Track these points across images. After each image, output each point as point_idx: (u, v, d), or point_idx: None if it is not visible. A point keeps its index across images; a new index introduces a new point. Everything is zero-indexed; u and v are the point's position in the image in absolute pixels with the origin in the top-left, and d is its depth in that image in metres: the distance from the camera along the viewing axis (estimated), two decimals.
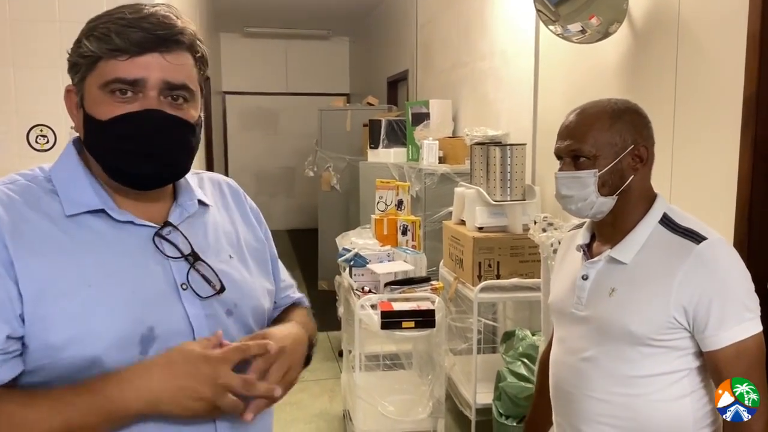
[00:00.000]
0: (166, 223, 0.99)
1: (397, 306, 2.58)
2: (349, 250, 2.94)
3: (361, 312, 2.61)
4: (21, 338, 0.86)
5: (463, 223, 3.24)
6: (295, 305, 1.23)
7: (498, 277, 2.93)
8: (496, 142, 3.30)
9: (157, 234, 0.97)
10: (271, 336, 0.97)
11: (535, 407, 1.69)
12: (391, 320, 2.50)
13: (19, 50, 2.87)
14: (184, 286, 0.96)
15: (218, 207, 1.11)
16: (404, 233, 3.36)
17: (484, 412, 2.88)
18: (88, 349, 0.87)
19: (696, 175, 2.10)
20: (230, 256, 1.06)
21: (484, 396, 2.88)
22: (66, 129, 2.94)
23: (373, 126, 5.01)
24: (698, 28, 2.09)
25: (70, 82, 0.99)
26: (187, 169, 1.02)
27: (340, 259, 2.99)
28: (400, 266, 2.93)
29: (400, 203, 3.58)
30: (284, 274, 1.23)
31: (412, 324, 2.53)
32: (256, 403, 0.92)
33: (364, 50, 8.38)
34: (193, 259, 0.98)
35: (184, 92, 0.95)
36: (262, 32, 8.43)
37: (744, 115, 1.87)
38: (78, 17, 3.11)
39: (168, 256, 0.96)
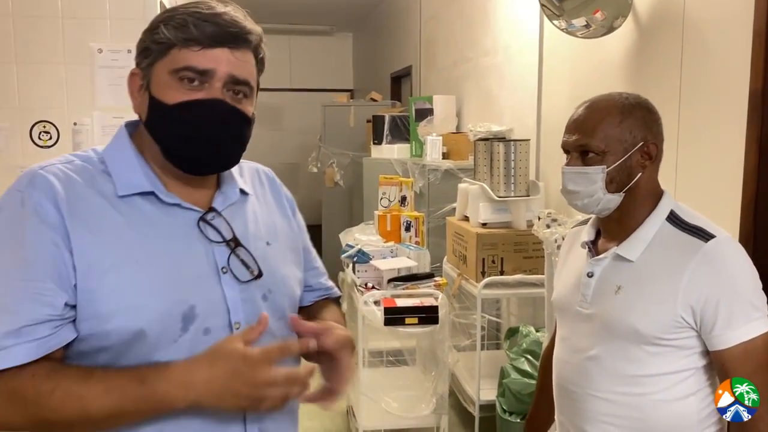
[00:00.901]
0: (211, 209, 1.04)
1: (401, 302, 2.57)
2: (352, 246, 2.94)
3: (365, 308, 2.61)
4: (74, 306, 0.92)
5: (466, 219, 3.23)
6: (328, 300, 1.29)
7: (502, 273, 2.93)
8: (500, 138, 3.29)
9: (202, 218, 1.02)
10: (334, 330, 1.06)
11: (537, 405, 1.67)
12: (394, 316, 2.49)
13: (22, 46, 2.86)
14: (224, 270, 1.01)
15: (257, 196, 1.16)
16: (407, 229, 3.36)
17: (487, 408, 2.88)
18: (132, 322, 0.92)
19: (701, 170, 2.09)
20: (267, 243, 1.10)
21: (488, 392, 2.88)
22: (69, 125, 2.93)
23: (377, 122, 4.99)
24: (704, 22, 2.07)
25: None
26: (237, 160, 1.08)
27: (343, 255, 2.98)
28: (404, 262, 2.92)
29: (403, 199, 3.57)
30: (317, 262, 1.28)
31: (416, 320, 2.53)
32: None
33: (368, 46, 8.36)
34: (233, 244, 1.03)
35: (245, 88, 1.02)
36: (265, 28, 8.20)
37: (749, 111, 1.85)
38: (80, 13, 3.11)
39: (211, 240, 1.02)
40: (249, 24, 1.02)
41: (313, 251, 1.27)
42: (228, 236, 1.03)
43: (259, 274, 1.04)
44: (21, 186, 0.95)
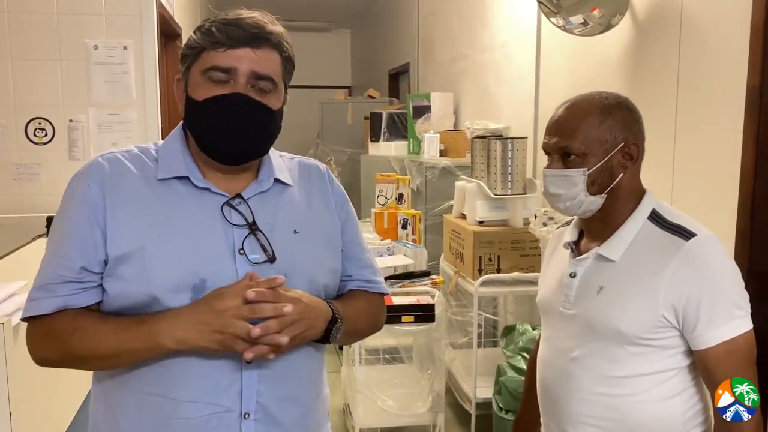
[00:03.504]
0: (237, 195, 1.14)
1: (397, 300, 2.57)
2: None
3: None
4: (97, 273, 1.07)
5: (463, 216, 3.22)
6: (366, 292, 1.29)
7: (498, 271, 2.92)
8: (497, 136, 3.28)
9: (227, 203, 1.12)
10: (290, 291, 1.09)
11: (524, 406, 1.65)
12: (391, 314, 2.49)
13: (17, 43, 2.85)
14: (241, 251, 1.10)
15: (299, 188, 1.23)
16: (404, 227, 3.36)
17: (484, 406, 2.87)
18: (146, 287, 1.04)
19: (698, 167, 2.09)
20: (295, 231, 1.17)
21: (484, 390, 2.87)
22: (64, 122, 2.92)
23: (375, 119, 4.99)
24: (701, 19, 2.07)
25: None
26: (264, 151, 1.17)
27: None
28: (401, 260, 2.93)
29: (400, 197, 3.57)
30: (364, 255, 1.31)
31: (412, 318, 2.53)
32: (257, 348, 1.02)
33: (366, 42, 8.35)
34: (251, 228, 1.12)
35: (269, 83, 1.11)
36: None
37: (747, 108, 1.85)
38: (75, 9, 3.09)
39: (232, 224, 1.11)
40: (270, 25, 1.12)
41: (362, 245, 1.31)
42: (249, 221, 1.12)
43: (272, 259, 1.11)
44: (82, 170, 1.13)
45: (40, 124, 2.90)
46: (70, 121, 2.92)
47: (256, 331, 1.01)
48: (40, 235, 2.55)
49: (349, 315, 1.18)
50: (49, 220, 2.56)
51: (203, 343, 1.02)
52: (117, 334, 1.03)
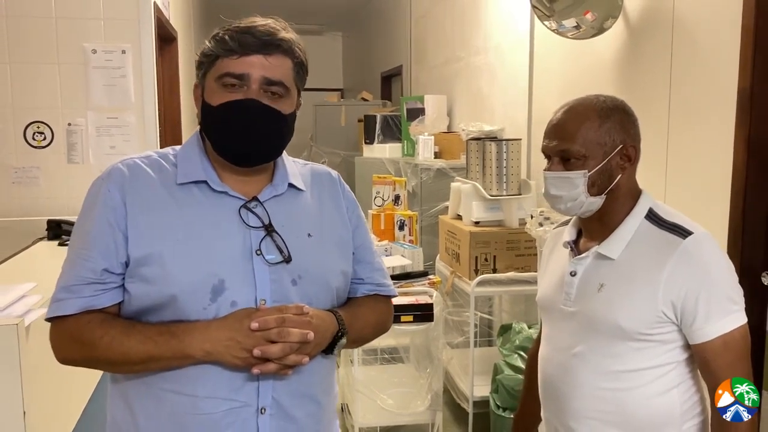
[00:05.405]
0: (254, 198, 1.17)
1: (396, 300, 2.57)
2: None
3: None
4: (119, 275, 1.11)
5: (459, 217, 3.26)
6: (377, 295, 1.33)
7: (494, 271, 2.96)
8: (492, 138, 3.32)
9: (244, 206, 1.16)
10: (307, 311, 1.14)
11: (524, 403, 1.68)
12: None
13: (16, 46, 2.86)
14: (258, 252, 1.14)
15: (312, 193, 1.27)
16: (401, 228, 3.39)
17: (481, 404, 2.90)
18: (167, 288, 1.09)
19: (691, 168, 2.13)
20: (309, 235, 1.20)
21: (482, 389, 2.91)
22: (63, 125, 2.93)
23: (368, 121, 5.01)
24: (693, 22, 2.11)
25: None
26: (276, 153, 1.21)
27: None
28: (398, 261, 2.95)
29: (397, 198, 3.60)
30: (374, 259, 1.34)
31: (411, 318, 2.55)
32: (266, 365, 1.07)
33: (358, 45, 8.37)
34: (268, 230, 1.16)
35: (280, 88, 1.15)
36: None
37: (738, 109, 1.89)
38: (74, 13, 3.10)
39: (249, 226, 1.15)
40: (283, 32, 1.16)
41: (372, 249, 1.35)
42: (265, 223, 1.16)
43: (288, 259, 1.14)
44: (103, 175, 1.17)
45: (38, 127, 2.91)
46: (69, 124, 2.94)
47: (278, 351, 1.06)
48: (41, 239, 2.57)
49: (355, 325, 1.22)
50: (50, 223, 2.57)
51: (228, 359, 1.07)
52: (145, 344, 1.07)
